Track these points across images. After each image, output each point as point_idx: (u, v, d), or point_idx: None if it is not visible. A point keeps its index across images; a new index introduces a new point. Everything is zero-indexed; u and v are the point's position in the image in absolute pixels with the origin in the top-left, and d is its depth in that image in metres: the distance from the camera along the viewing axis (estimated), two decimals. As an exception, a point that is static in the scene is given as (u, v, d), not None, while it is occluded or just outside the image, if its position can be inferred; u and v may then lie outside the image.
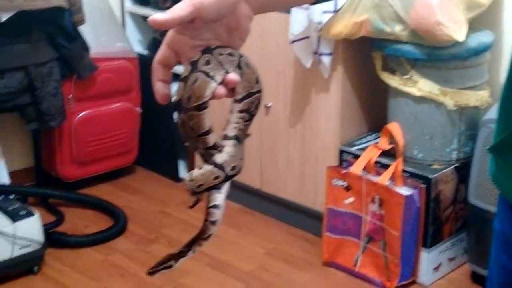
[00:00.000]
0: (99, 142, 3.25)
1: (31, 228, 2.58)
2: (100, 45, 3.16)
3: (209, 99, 0.80)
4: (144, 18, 3.49)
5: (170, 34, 0.81)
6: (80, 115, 3.16)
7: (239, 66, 0.81)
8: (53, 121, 2.94)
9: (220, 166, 0.82)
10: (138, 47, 3.50)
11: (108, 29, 3.27)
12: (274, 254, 2.84)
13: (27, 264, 2.61)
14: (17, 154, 3.29)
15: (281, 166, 2.97)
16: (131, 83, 3.31)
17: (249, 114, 0.83)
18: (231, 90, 0.82)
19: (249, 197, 3.09)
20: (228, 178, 0.83)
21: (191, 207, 0.87)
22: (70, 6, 2.82)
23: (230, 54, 0.81)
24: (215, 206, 0.84)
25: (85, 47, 3.00)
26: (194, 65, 0.79)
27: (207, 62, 0.79)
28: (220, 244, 2.83)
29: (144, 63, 3.35)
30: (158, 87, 0.81)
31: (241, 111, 0.83)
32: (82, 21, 2.89)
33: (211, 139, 0.82)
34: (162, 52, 0.81)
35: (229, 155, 0.82)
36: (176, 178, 3.43)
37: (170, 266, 0.86)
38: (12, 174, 3.08)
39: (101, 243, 2.87)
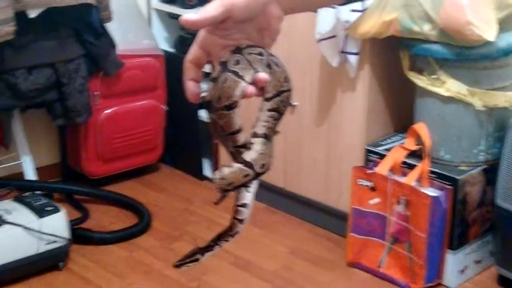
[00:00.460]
0: (125, 139, 3.26)
1: (57, 224, 2.60)
2: (126, 42, 3.17)
3: (239, 99, 0.80)
4: (170, 15, 3.49)
5: (201, 34, 0.81)
6: (106, 112, 3.17)
7: (268, 65, 0.82)
8: (79, 117, 2.95)
9: (249, 164, 0.82)
10: (164, 45, 3.51)
11: (135, 26, 3.28)
12: (298, 254, 2.83)
13: (52, 260, 2.63)
14: (43, 150, 3.31)
15: (306, 165, 2.96)
16: (157, 81, 3.32)
17: (279, 112, 0.84)
18: (261, 89, 0.82)
19: (273, 196, 3.08)
20: (257, 175, 0.83)
21: (217, 203, 0.87)
22: (98, 3, 2.83)
23: (260, 54, 0.81)
24: (243, 205, 0.85)
25: (112, 44, 3.02)
26: (223, 65, 0.80)
27: (237, 62, 0.80)
28: (243, 243, 2.82)
29: (170, 61, 3.36)
30: (189, 85, 0.82)
31: (270, 110, 0.83)
32: (109, 18, 2.90)
33: (241, 138, 0.83)
34: (193, 51, 0.82)
35: (258, 153, 0.83)
36: (200, 176, 3.43)
37: (196, 260, 0.88)
38: (38, 170, 3.10)
39: (125, 240, 2.89)
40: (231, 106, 0.80)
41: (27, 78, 2.75)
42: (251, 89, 0.80)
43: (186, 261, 0.88)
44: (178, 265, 0.88)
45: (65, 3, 2.70)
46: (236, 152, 0.83)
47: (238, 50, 0.80)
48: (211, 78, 0.80)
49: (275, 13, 0.81)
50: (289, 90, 0.84)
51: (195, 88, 0.82)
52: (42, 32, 2.77)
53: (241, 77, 0.80)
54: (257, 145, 0.83)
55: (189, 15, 0.78)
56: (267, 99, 0.83)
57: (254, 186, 0.85)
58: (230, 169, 0.82)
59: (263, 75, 0.81)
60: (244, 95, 0.80)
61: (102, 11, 2.86)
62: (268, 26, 0.82)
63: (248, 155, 0.82)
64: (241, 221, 0.85)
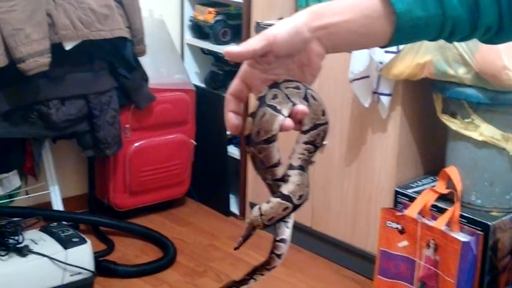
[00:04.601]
0: (153, 172, 3.27)
1: (82, 256, 2.59)
2: (159, 76, 3.20)
3: (277, 132, 0.81)
4: (203, 50, 3.52)
5: (243, 67, 0.83)
6: (135, 144, 3.18)
7: (305, 98, 0.83)
8: (109, 149, 2.96)
9: (287, 197, 0.83)
10: (195, 80, 3.53)
11: (168, 60, 3.31)
12: (324, 295, 2.80)
13: (76, 292, 2.62)
14: (71, 180, 3.33)
15: (334, 205, 2.93)
16: (187, 115, 3.33)
17: (314, 145, 0.85)
18: (299, 122, 0.83)
19: (299, 235, 3.06)
20: (296, 207, 0.84)
21: (237, 248, 0.88)
22: (132, 37, 2.86)
23: (297, 87, 0.82)
24: (282, 240, 0.87)
25: (144, 78, 3.04)
26: (261, 100, 0.81)
27: (274, 96, 0.81)
28: (268, 282, 2.77)
29: (201, 96, 3.38)
30: (230, 117, 0.83)
31: (306, 143, 0.84)
32: (143, 52, 2.92)
33: (280, 171, 0.84)
34: (235, 84, 0.83)
35: (295, 185, 0.84)
36: (227, 212, 3.41)
37: None
38: (65, 201, 3.11)
39: (150, 274, 2.87)
40: (270, 140, 0.81)
41: (59, 109, 2.77)
42: (289, 122, 0.81)
43: None
44: None
45: (101, 36, 2.73)
46: (275, 185, 0.84)
47: (275, 84, 0.81)
48: (249, 114, 0.81)
49: (316, 50, 0.81)
50: (326, 123, 0.85)
51: (235, 119, 0.83)
52: (76, 64, 2.80)
53: (278, 111, 0.81)
54: (294, 177, 0.84)
55: (232, 47, 0.80)
56: (304, 132, 0.84)
57: (291, 220, 0.86)
58: (269, 204, 0.83)
59: (301, 107, 0.82)
60: (282, 129, 0.81)
61: (136, 45, 2.89)
62: (309, 63, 0.82)
63: (286, 188, 0.83)
64: (279, 256, 0.87)
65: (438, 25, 0.81)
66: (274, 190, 0.84)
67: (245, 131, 0.82)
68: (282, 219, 0.84)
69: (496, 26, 0.82)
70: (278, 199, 0.83)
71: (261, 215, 0.83)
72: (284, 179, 0.84)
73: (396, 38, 0.82)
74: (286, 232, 0.86)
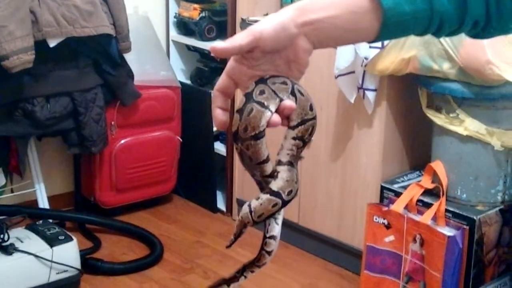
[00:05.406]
0: (139, 169, 3.26)
1: (68, 254, 2.59)
2: (144, 72, 3.19)
3: (265, 128, 0.81)
4: (188, 47, 3.51)
5: (230, 63, 0.83)
6: (121, 142, 3.17)
7: (293, 94, 0.82)
8: (95, 147, 2.95)
9: (276, 193, 0.83)
10: (181, 76, 3.52)
11: (153, 57, 3.30)
12: (311, 290, 2.80)
13: (63, 289, 2.61)
14: (57, 178, 3.31)
15: (320, 200, 2.94)
16: (173, 112, 3.32)
17: (303, 141, 0.84)
18: (286, 118, 0.83)
19: (286, 231, 3.05)
20: (285, 203, 0.84)
21: (229, 246, 0.88)
22: (117, 33, 2.85)
23: (284, 83, 0.82)
24: (272, 237, 0.87)
25: (129, 74, 3.03)
26: (248, 96, 0.81)
27: (261, 92, 0.81)
28: (256, 278, 2.77)
29: (186, 92, 3.37)
30: (217, 113, 0.83)
31: (294, 138, 0.84)
32: (128, 49, 2.92)
33: (269, 167, 0.83)
34: (222, 80, 0.83)
35: (284, 181, 0.83)
36: (213, 208, 3.41)
37: None
38: (51, 199, 3.09)
39: (136, 271, 2.87)
40: (258, 136, 0.80)
41: (44, 107, 2.76)
42: (276, 118, 0.81)
43: None
44: None
45: (85, 33, 2.72)
46: (264, 181, 0.84)
47: (262, 80, 0.81)
48: (236, 110, 0.81)
49: (303, 46, 0.81)
50: (314, 118, 0.84)
51: (222, 116, 0.82)
52: (61, 62, 2.79)
53: (266, 106, 0.80)
54: (282, 173, 0.83)
55: (218, 43, 0.80)
56: (292, 127, 0.83)
57: (281, 217, 0.86)
58: (258, 201, 0.83)
59: (289, 102, 0.81)
60: (270, 125, 0.81)
61: (121, 41, 2.88)
62: (296, 59, 0.82)
63: (275, 184, 0.83)
64: (269, 252, 0.87)
65: (425, 20, 0.81)
66: (263, 186, 0.84)
67: (232, 127, 0.81)
68: (272, 215, 0.84)
69: (484, 21, 0.82)
70: (268, 196, 0.83)
71: (251, 212, 0.83)
72: (273, 175, 0.83)
73: (383, 33, 0.82)
74: (276, 228, 0.86)
